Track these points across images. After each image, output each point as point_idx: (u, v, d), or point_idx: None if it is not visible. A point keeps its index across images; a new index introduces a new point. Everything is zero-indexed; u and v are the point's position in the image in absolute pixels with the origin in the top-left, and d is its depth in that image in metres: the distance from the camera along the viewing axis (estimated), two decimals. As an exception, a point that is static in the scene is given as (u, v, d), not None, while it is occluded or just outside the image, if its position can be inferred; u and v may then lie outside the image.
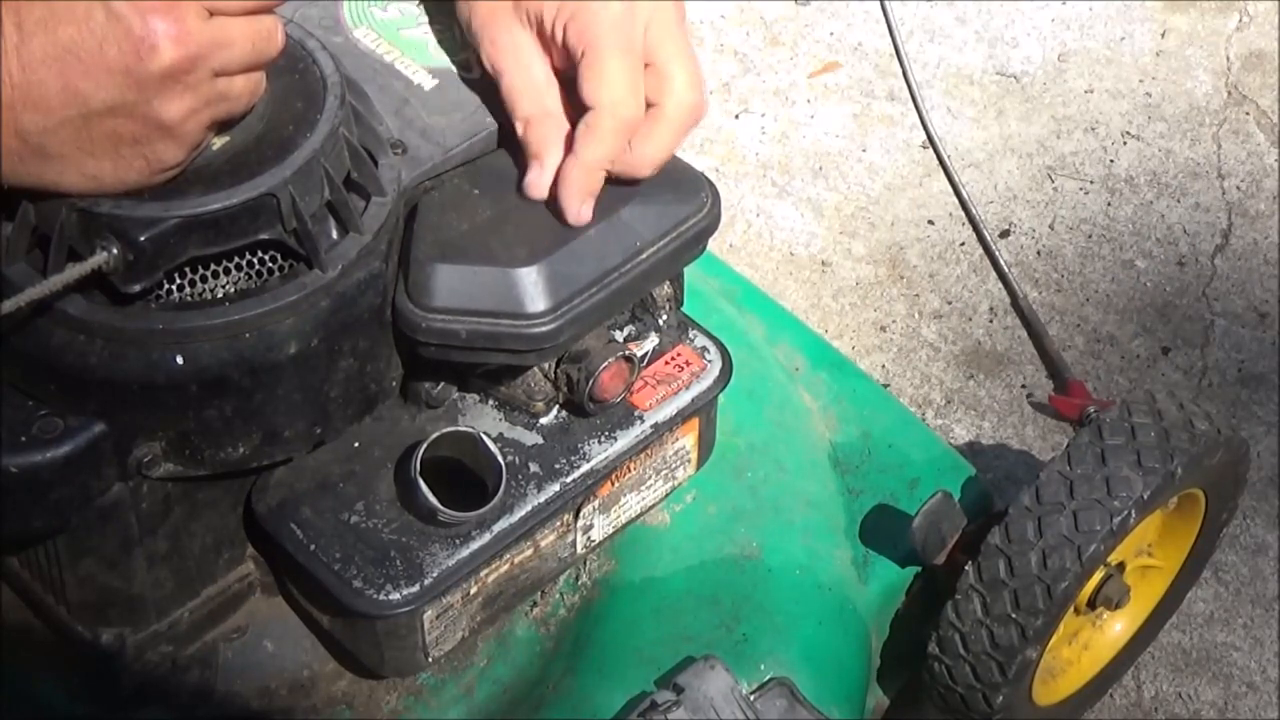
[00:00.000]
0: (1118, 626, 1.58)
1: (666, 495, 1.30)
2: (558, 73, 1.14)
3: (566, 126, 1.13)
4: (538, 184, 1.13)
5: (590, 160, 1.11)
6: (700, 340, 1.26)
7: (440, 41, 1.22)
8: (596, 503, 1.23)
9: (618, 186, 1.14)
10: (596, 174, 1.12)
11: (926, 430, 1.57)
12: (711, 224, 1.17)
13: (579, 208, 1.12)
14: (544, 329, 1.10)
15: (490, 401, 1.21)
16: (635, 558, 1.35)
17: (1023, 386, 2.10)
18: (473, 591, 1.17)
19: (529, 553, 1.20)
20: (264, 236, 1.04)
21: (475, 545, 1.15)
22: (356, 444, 1.17)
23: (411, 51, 1.21)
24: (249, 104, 1.03)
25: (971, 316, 2.18)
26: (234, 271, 1.06)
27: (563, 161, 1.12)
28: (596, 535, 1.26)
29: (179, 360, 1.04)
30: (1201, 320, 2.18)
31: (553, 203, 1.13)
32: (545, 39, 1.13)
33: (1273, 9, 2.58)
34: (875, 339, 2.15)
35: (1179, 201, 2.32)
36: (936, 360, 2.13)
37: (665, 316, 1.25)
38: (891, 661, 1.46)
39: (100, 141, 0.96)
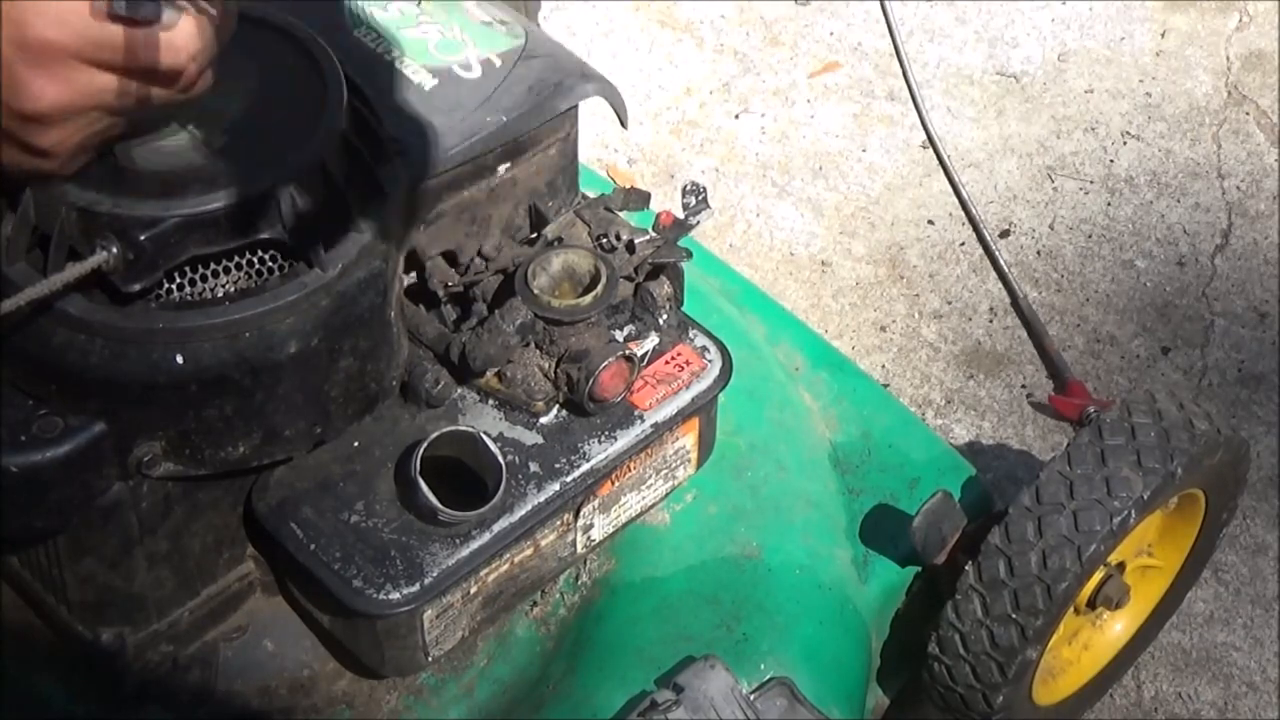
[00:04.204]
0: (1118, 626, 1.58)
1: (666, 495, 1.30)
2: None
3: None
4: None
5: None
6: (700, 340, 1.26)
7: (440, 41, 1.22)
8: (596, 502, 1.23)
9: None
10: None
11: (926, 430, 1.57)
12: None
13: None
14: None
15: (490, 401, 1.21)
16: (635, 557, 1.35)
17: (1023, 386, 2.10)
18: (473, 591, 1.17)
19: (529, 552, 1.20)
20: (264, 236, 1.04)
21: (475, 545, 1.15)
22: (356, 444, 1.17)
23: (411, 51, 1.21)
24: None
25: (971, 316, 2.18)
26: (234, 271, 1.06)
27: None
28: (596, 535, 1.26)
29: (179, 359, 1.04)
30: (1201, 320, 2.17)
31: None
32: None
33: (1273, 9, 2.58)
34: (875, 339, 2.15)
35: (1179, 201, 2.32)
36: (936, 360, 2.13)
37: (665, 316, 1.25)
38: (891, 661, 1.46)
39: None
